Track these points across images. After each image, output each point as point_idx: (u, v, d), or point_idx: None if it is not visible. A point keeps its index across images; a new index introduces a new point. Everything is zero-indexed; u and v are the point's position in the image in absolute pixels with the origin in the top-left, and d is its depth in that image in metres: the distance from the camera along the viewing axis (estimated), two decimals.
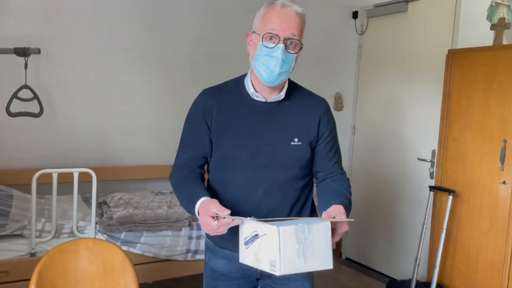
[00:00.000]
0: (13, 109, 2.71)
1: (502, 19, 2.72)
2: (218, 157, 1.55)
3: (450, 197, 2.85)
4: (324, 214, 1.40)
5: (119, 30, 3.28)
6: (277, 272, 1.19)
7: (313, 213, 1.65)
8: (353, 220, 1.36)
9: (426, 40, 3.58)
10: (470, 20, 3.21)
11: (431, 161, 3.43)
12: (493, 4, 2.74)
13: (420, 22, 3.64)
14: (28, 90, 2.77)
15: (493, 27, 2.77)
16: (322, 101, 1.62)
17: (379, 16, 3.98)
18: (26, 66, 2.72)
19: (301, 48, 1.48)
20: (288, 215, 1.50)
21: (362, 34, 4.19)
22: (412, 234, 3.60)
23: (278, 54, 1.42)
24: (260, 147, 1.50)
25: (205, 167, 1.62)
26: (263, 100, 1.52)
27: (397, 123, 3.84)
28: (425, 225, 3.06)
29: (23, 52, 2.71)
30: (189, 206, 1.44)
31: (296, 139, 1.52)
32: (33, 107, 2.80)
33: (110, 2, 3.22)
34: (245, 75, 1.58)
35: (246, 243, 1.28)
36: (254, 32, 1.48)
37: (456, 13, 3.32)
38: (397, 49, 3.85)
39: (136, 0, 3.32)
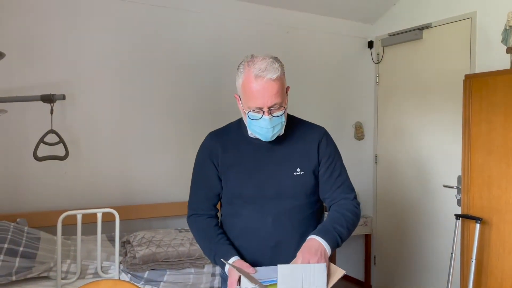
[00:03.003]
0: (40, 153, 2.81)
1: None
2: (226, 194, 1.64)
3: (478, 225, 2.76)
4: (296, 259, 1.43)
5: (141, 75, 3.40)
6: None
7: None
8: (344, 272, 1.40)
9: (443, 66, 3.57)
10: (487, 44, 3.20)
11: (457, 187, 3.34)
12: (507, 27, 2.72)
13: (436, 49, 3.64)
14: (54, 135, 2.87)
15: (509, 50, 2.74)
16: (320, 129, 1.68)
17: (395, 44, 4.00)
18: (52, 112, 2.82)
19: (284, 110, 1.52)
20: (299, 243, 1.51)
21: (378, 63, 4.21)
22: (441, 264, 3.48)
23: (265, 124, 1.48)
24: (263, 180, 1.57)
25: (219, 204, 1.71)
26: None
27: (420, 150, 3.79)
28: (453, 255, 2.96)
29: (49, 99, 2.82)
30: (216, 261, 1.55)
31: (298, 169, 1.58)
32: (59, 150, 2.90)
33: (131, 48, 3.35)
34: None
35: None
36: (239, 96, 1.55)
37: (472, 37, 3.31)
38: (414, 77, 3.84)
39: (158, 44, 3.45)
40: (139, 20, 3.39)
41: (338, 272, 1.36)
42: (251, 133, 1.60)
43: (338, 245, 1.49)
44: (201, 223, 1.65)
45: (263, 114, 1.47)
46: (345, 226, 1.51)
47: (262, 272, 1.42)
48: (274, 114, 1.48)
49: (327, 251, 1.42)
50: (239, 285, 1.38)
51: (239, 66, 1.54)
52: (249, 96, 1.47)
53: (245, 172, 1.58)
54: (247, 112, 1.50)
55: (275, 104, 1.47)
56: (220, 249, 1.55)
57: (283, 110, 1.51)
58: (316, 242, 1.42)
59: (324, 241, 1.43)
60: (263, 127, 1.49)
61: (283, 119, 1.52)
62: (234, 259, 1.50)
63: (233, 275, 1.42)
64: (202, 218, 1.65)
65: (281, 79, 1.49)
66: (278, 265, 1.33)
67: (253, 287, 1.34)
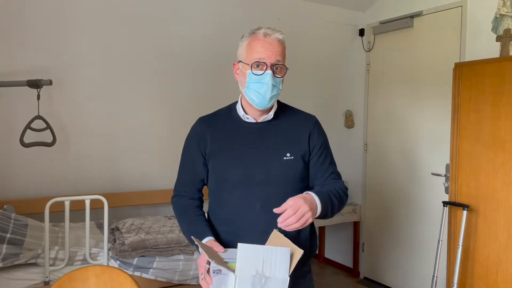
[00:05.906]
0: (26, 139, 2.78)
1: (507, 30, 2.70)
2: (214, 179, 1.64)
3: (465, 212, 2.79)
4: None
5: (130, 59, 3.35)
6: None
7: (312, 227, 1.67)
8: (302, 251, 1.35)
9: (433, 54, 3.58)
10: (477, 32, 3.20)
11: (445, 175, 3.38)
12: (498, 15, 2.72)
13: (426, 37, 3.64)
14: (41, 121, 2.83)
15: (498, 38, 2.75)
16: (311, 117, 1.69)
17: (386, 32, 3.99)
18: (38, 97, 2.78)
19: (285, 71, 1.57)
20: (286, 231, 1.50)
21: (369, 51, 4.20)
22: (429, 250, 3.52)
23: (267, 80, 1.51)
24: (252, 165, 1.57)
25: (204, 188, 1.72)
26: (254, 121, 1.61)
27: (409, 138, 3.81)
28: (440, 241, 3.00)
29: (35, 84, 2.78)
30: (192, 241, 1.54)
31: (288, 154, 1.58)
32: (46, 136, 2.86)
33: (120, 32, 3.30)
34: (236, 102, 1.67)
35: (213, 272, 1.35)
36: (240, 61, 1.58)
37: (462, 26, 3.32)
38: (405, 65, 3.84)
39: (146, 30, 3.40)
40: (130, 4, 3.33)
41: (297, 253, 1.33)
42: (243, 114, 1.60)
43: (326, 213, 1.47)
44: (182, 204, 1.68)
45: (266, 69, 1.51)
46: (337, 197, 1.53)
47: (232, 252, 1.41)
48: (276, 75, 1.53)
49: (318, 209, 1.42)
50: (209, 264, 1.38)
51: (242, 36, 1.59)
52: (255, 49, 1.52)
53: (234, 156, 1.58)
54: (249, 66, 1.51)
55: (278, 62, 1.52)
56: (196, 229, 1.57)
57: (283, 76, 1.56)
58: (310, 196, 1.42)
59: (318, 199, 1.43)
60: (264, 83, 1.50)
61: (280, 86, 1.56)
62: (208, 239, 1.51)
63: (204, 256, 1.42)
64: (184, 199, 1.68)
65: (284, 46, 1.56)
66: (239, 243, 1.32)
67: (219, 267, 1.32)
